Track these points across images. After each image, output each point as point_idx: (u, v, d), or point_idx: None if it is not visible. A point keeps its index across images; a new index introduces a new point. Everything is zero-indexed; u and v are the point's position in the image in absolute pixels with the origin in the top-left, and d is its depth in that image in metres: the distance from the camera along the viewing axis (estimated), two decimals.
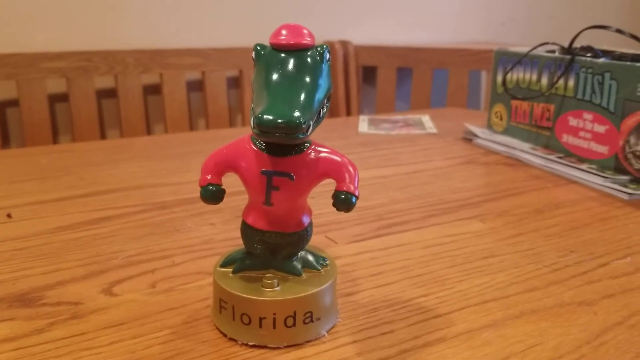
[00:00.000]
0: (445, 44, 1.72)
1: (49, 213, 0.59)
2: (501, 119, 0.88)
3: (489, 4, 1.87)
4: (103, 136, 1.34)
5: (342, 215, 0.56)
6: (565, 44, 0.80)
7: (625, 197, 0.63)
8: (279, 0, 1.54)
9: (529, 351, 0.36)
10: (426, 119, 1.07)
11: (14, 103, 1.24)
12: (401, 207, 0.60)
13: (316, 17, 1.61)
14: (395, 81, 1.59)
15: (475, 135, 0.89)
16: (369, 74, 1.64)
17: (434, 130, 0.97)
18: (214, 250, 0.50)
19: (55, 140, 1.29)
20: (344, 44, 1.59)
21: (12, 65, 1.21)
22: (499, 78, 0.88)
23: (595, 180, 0.67)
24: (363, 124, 1.02)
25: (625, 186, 0.65)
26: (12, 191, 0.66)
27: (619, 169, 0.68)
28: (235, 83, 1.49)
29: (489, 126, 0.91)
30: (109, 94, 1.34)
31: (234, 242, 0.51)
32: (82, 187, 0.67)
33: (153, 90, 1.38)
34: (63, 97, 1.28)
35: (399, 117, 1.09)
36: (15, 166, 0.76)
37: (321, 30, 1.62)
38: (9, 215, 0.58)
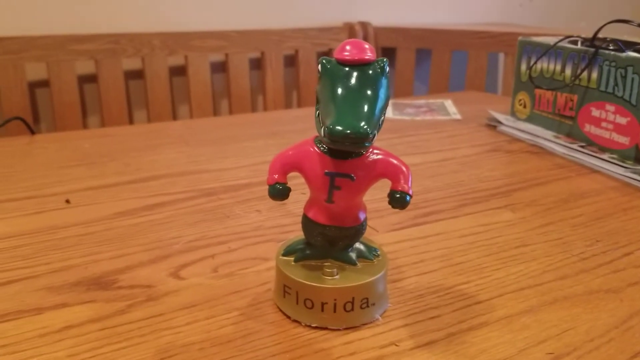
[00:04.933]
0: (463, 24, 1.73)
1: (104, 199, 0.63)
2: (525, 106, 0.91)
3: None
4: (130, 116, 1.38)
5: (381, 204, 0.60)
6: (586, 35, 0.83)
7: None
8: None
9: (564, 335, 0.40)
10: (449, 103, 1.10)
11: (45, 84, 1.28)
12: (434, 196, 0.64)
13: None
14: (414, 62, 1.62)
15: (499, 122, 0.92)
16: (388, 55, 1.66)
17: (458, 116, 1.00)
18: (265, 236, 0.54)
19: (84, 120, 1.33)
20: (364, 25, 1.61)
21: (42, 48, 1.24)
22: (524, 67, 0.91)
23: (617, 170, 0.71)
24: (388, 108, 1.05)
25: None
26: (63, 177, 0.70)
27: None
28: (257, 65, 1.52)
29: (513, 113, 0.94)
30: (136, 75, 1.37)
31: (282, 229, 0.55)
32: (128, 173, 0.71)
33: (178, 71, 1.42)
34: (92, 79, 1.31)
35: (421, 101, 1.12)
36: (60, 151, 0.80)
37: (341, 11, 1.64)
38: (67, 201, 0.62)
